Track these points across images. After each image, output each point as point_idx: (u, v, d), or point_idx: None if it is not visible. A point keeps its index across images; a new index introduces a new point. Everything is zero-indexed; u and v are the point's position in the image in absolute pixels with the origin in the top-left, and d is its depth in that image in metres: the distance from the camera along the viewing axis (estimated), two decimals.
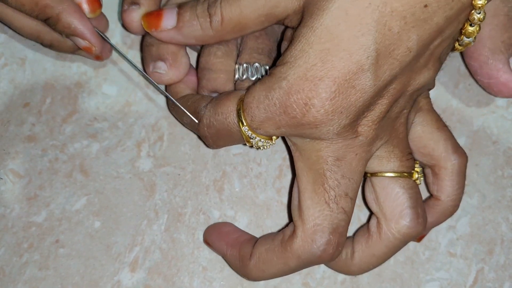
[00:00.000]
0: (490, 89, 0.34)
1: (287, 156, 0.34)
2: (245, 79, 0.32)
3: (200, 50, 0.33)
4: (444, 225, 0.33)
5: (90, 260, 0.31)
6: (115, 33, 0.36)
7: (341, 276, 0.32)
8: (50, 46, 0.32)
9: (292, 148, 0.29)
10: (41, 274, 0.31)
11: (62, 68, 0.34)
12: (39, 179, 0.32)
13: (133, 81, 0.35)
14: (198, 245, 0.32)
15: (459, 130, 0.35)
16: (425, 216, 0.29)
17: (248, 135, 0.28)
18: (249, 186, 0.33)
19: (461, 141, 0.35)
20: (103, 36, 0.32)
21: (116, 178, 0.33)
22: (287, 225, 0.32)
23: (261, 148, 0.29)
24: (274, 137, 0.28)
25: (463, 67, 0.36)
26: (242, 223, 0.32)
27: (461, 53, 0.36)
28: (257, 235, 0.32)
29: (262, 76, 0.32)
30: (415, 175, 0.29)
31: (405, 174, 0.28)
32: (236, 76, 0.32)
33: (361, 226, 0.31)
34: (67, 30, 0.30)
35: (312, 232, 0.27)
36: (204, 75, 0.32)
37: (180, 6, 0.30)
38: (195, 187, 0.33)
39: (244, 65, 0.32)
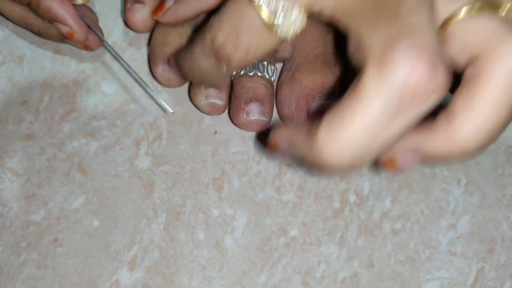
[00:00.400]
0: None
1: None
2: (243, 74, 0.32)
3: None
4: (444, 223, 0.33)
5: (88, 259, 0.31)
6: (113, 31, 0.36)
7: (341, 275, 0.32)
8: (38, 33, 0.32)
9: (334, 15, 0.21)
10: (39, 273, 0.31)
11: (61, 66, 0.34)
12: (37, 177, 0.32)
13: (131, 79, 0.34)
14: (197, 244, 0.32)
15: None
16: None
17: (268, 13, 0.21)
18: (249, 185, 0.33)
19: None
20: (87, 22, 0.31)
21: (114, 177, 0.32)
22: (287, 224, 0.32)
23: (294, 29, 0.21)
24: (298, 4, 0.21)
25: None
26: (241, 222, 0.32)
27: None
28: (257, 235, 0.32)
29: (260, 71, 0.31)
30: (506, 5, 0.21)
31: (485, 3, 0.21)
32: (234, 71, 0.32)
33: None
34: (47, 14, 0.30)
35: (383, 52, 0.19)
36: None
37: None
38: (194, 185, 0.33)
39: None
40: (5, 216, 0.31)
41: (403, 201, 0.33)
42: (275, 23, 0.22)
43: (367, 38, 0.20)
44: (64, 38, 0.32)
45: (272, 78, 0.32)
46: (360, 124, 0.20)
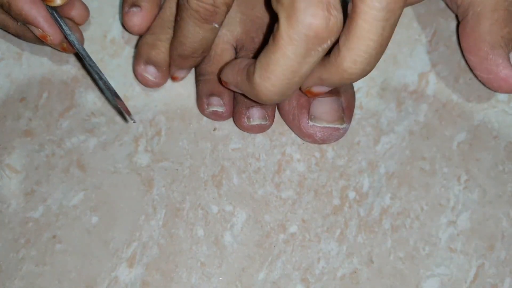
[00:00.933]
0: (489, 85, 0.34)
1: (286, 151, 0.33)
2: None
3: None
4: (444, 220, 0.33)
5: (87, 256, 0.31)
6: (112, 27, 0.35)
7: (340, 272, 0.31)
8: (16, 35, 0.32)
9: None
10: (38, 270, 0.31)
11: (59, 62, 0.34)
12: (36, 174, 0.32)
13: (130, 76, 0.34)
14: (197, 240, 0.32)
15: (460, 125, 0.35)
16: None
17: None
18: (248, 181, 0.33)
19: (462, 136, 0.34)
20: (61, 25, 0.31)
21: (113, 173, 0.32)
22: (287, 220, 0.32)
23: None
24: None
25: (463, 62, 0.36)
26: (240, 219, 0.32)
27: (460, 48, 0.36)
28: (256, 231, 0.32)
29: None
30: None
31: None
32: None
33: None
34: (19, 16, 0.30)
35: (292, 3, 0.23)
36: (199, 80, 0.33)
37: None
38: (193, 182, 0.32)
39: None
40: (4, 213, 0.31)
41: (403, 197, 0.33)
42: None
43: None
44: (40, 40, 0.32)
45: None
46: (281, 65, 0.25)
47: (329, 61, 0.26)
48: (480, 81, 0.35)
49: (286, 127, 0.34)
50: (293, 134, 0.34)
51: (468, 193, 0.33)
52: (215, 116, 0.33)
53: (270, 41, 0.25)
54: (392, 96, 0.35)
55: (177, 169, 0.33)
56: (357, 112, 0.34)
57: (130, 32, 0.33)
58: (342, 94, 0.32)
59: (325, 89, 0.29)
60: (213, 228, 0.32)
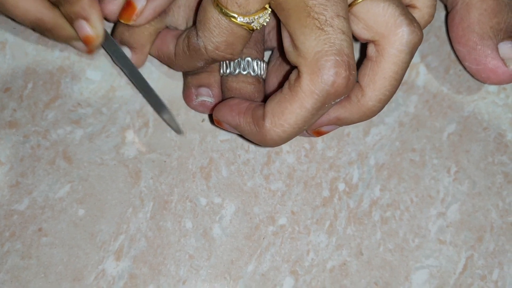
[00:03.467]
0: (478, 76, 0.34)
1: None
2: (228, 73, 0.31)
3: None
4: (434, 212, 0.33)
5: (74, 249, 0.30)
6: None
7: (329, 264, 0.31)
8: (48, 31, 0.30)
9: (274, 8, 0.27)
10: (24, 263, 0.30)
11: (44, 52, 0.33)
12: (21, 166, 0.32)
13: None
14: (185, 233, 0.31)
15: (450, 116, 0.34)
16: (416, 20, 0.27)
17: (247, 22, 0.27)
18: (237, 173, 0.32)
19: (452, 127, 0.34)
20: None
21: (100, 165, 0.32)
22: (276, 213, 0.32)
23: (264, 23, 0.27)
24: (266, 6, 0.27)
25: (454, 52, 0.35)
26: (229, 211, 0.32)
27: (449, 38, 0.35)
28: (245, 223, 0.31)
29: (244, 69, 0.31)
30: None
31: None
32: (220, 71, 0.31)
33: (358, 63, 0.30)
34: (83, 11, 0.29)
35: (316, 61, 0.25)
36: (188, 73, 0.32)
37: None
38: (181, 174, 0.32)
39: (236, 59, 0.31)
40: None
41: (392, 189, 0.33)
42: (255, 26, 0.27)
43: (301, 43, 0.26)
44: (72, 39, 0.31)
45: (259, 73, 0.32)
46: (298, 115, 0.26)
47: (350, 102, 0.28)
48: (469, 72, 0.35)
49: None
50: None
51: (457, 184, 0.33)
52: (203, 107, 0.32)
53: (285, 90, 0.26)
54: None
55: (165, 161, 0.32)
56: None
57: (107, 20, 0.32)
58: None
59: (335, 127, 0.30)
60: (201, 220, 0.31)
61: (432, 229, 0.33)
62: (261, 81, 0.33)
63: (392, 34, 0.26)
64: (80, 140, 0.32)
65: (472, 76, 0.35)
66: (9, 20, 0.34)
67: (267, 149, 0.33)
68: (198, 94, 0.32)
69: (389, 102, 0.34)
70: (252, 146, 0.33)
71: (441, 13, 0.36)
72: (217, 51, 0.28)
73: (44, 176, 0.31)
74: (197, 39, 0.28)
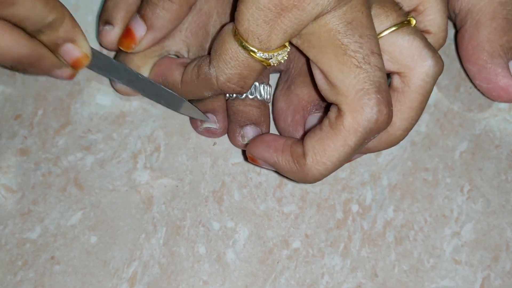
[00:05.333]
0: (489, 94, 0.34)
1: None
2: (235, 97, 0.31)
3: None
4: (448, 231, 0.32)
5: (87, 277, 0.30)
6: None
7: (344, 286, 0.31)
8: (31, 64, 0.28)
9: (300, 45, 0.27)
10: None
11: (54, 78, 0.33)
12: (32, 193, 0.31)
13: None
14: (198, 258, 0.31)
15: (461, 134, 0.34)
16: (436, 49, 0.28)
17: (265, 58, 0.27)
18: (249, 197, 0.32)
19: (464, 146, 0.34)
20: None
21: (112, 191, 0.32)
22: (289, 236, 0.32)
23: (282, 60, 0.27)
24: (286, 44, 0.27)
25: (464, 70, 0.35)
26: (243, 235, 0.31)
27: (459, 57, 0.35)
28: (259, 247, 0.31)
29: (251, 93, 0.31)
30: (413, 21, 0.28)
31: (405, 22, 0.28)
32: (226, 95, 0.32)
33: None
34: (68, 34, 0.27)
35: (358, 99, 0.26)
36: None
37: (138, 11, 0.30)
38: (193, 198, 0.32)
39: None
40: (0, 234, 0.31)
41: (406, 209, 0.33)
42: (273, 62, 0.27)
43: (339, 81, 0.26)
44: (54, 68, 0.29)
45: (266, 97, 0.32)
46: (341, 153, 0.27)
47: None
48: (479, 90, 0.35)
49: None
50: None
51: (471, 203, 0.33)
52: (209, 133, 0.32)
53: (326, 127, 0.27)
54: None
55: (177, 186, 0.32)
56: None
57: (105, 49, 0.33)
58: None
59: (361, 155, 0.32)
60: (215, 245, 0.31)
61: (447, 249, 0.32)
62: (267, 105, 0.33)
63: (418, 66, 0.27)
64: (91, 166, 0.32)
65: (483, 94, 0.35)
66: None
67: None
68: (203, 121, 0.32)
69: None
70: (263, 169, 0.33)
71: (450, 31, 0.36)
72: (228, 83, 0.28)
73: (55, 203, 0.31)
74: (209, 69, 0.28)
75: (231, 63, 0.27)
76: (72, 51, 0.28)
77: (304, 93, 0.31)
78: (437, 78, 0.28)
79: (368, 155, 0.33)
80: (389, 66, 0.28)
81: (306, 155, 0.27)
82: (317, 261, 0.31)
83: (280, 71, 0.33)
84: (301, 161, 0.27)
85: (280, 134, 0.33)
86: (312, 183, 0.28)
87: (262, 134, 0.31)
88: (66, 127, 0.33)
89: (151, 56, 0.32)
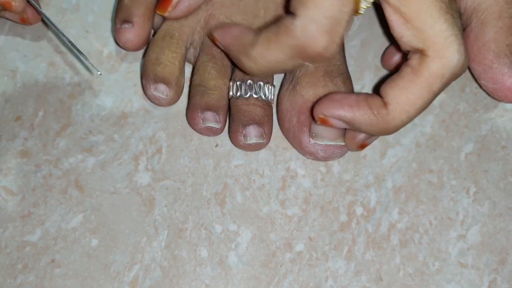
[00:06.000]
0: (495, 94, 0.33)
1: (291, 167, 0.32)
2: (239, 96, 0.31)
3: (193, 68, 0.32)
4: (454, 234, 0.32)
5: (87, 280, 0.30)
6: (109, 42, 0.34)
7: None
8: None
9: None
10: None
11: (55, 79, 0.33)
12: (33, 196, 0.31)
13: (129, 91, 0.33)
14: (200, 261, 0.31)
15: (467, 136, 0.34)
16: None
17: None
18: (252, 199, 0.32)
19: (469, 147, 0.34)
20: None
21: (113, 194, 0.31)
22: (293, 239, 0.31)
23: (366, 6, 0.27)
24: None
25: (469, 71, 0.35)
26: (245, 238, 0.31)
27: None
28: (262, 250, 0.31)
29: (256, 93, 0.31)
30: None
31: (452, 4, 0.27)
32: (230, 93, 0.31)
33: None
34: None
35: (448, 45, 0.26)
36: (197, 92, 0.31)
37: None
38: (195, 201, 0.31)
39: (238, 82, 0.31)
40: (0, 237, 0.30)
41: (411, 212, 0.32)
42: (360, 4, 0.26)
43: (429, 26, 0.26)
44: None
45: (270, 98, 0.32)
46: (425, 100, 0.27)
47: (374, 115, 0.28)
48: (485, 91, 0.34)
49: None
50: None
51: (477, 205, 0.33)
52: (208, 132, 0.32)
53: (408, 75, 0.26)
54: None
55: (179, 188, 0.32)
56: None
57: (124, 49, 0.32)
58: None
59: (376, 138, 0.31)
60: (217, 248, 0.31)
61: (452, 252, 0.32)
62: (271, 105, 0.32)
63: (441, 51, 0.26)
64: (92, 168, 0.32)
65: (489, 94, 0.34)
66: (20, 48, 0.34)
67: (282, 173, 0.32)
68: (205, 119, 0.31)
69: None
70: (266, 171, 0.32)
71: None
72: (317, 35, 0.25)
73: (56, 206, 0.31)
74: (294, 19, 0.25)
75: (324, 3, 0.25)
76: None
77: (310, 94, 0.31)
78: (455, 76, 0.27)
79: (372, 156, 0.33)
80: (411, 40, 0.26)
81: (388, 104, 0.27)
82: (320, 264, 0.31)
83: (285, 72, 0.33)
84: (382, 112, 0.27)
85: (285, 135, 0.32)
86: (393, 132, 0.28)
87: (329, 94, 0.29)
88: (67, 129, 0.32)
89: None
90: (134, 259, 0.30)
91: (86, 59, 0.31)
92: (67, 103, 0.33)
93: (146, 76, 0.31)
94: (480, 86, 0.34)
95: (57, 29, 0.31)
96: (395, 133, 0.33)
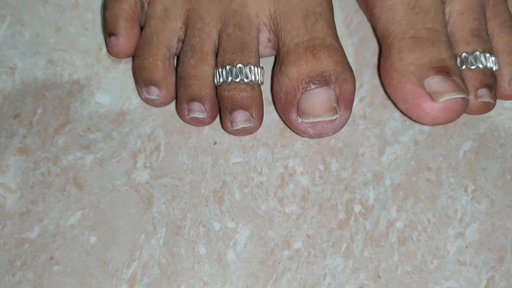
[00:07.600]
0: (411, 115, 0.32)
1: (289, 164, 0.32)
2: (222, 82, 0.30)
3: (177, 61, 0.32)
4: (452, 232, 0.32)
5: (86, 277, 0.30)
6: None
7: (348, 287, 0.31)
8: None
9: None
10: None
11: (53, 77, 0.33)
12: (31, 193, 0.31)
13: (127, 89, 0.33)
14: (199, 259, 0.31)
15: (465, 134, 0.34)
16: None
17: None
18: (250, 197, 0.32)
19: (468, 145, 0.34)
20: None
21: (111, 191, 0.31)
22: (291, 236, 0.31)
23: None
24: None
25: None
26: (243, 235, 0.31)
27: (381, 83, 0.34)
28: (260, 248, 0.31)
29: (236, 76, 0.30)
30: None
31: None
32: (215, 81, 0.31)
33: None
34: None
35: None
36: (180, 84, 0.31)
37: None
38: (194, 198, 0.31)
39: (219, 69, 0.30)
40: None
41: (409, 210, 0.32)
42: None
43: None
44: None
45: (254, 79, 0.31)
46: None
47: None
48: (405, 114, 0.33)
49: (288, 140, 0.33)
50: (295, 146, 0.33)
51: (475, 203, 0.33)
52: (196, 122, 0.31)
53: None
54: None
55: (177, 185, 0.32)
56: (360, 122, 0.33)
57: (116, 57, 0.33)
58: (334, 82, 0.30)
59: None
60: (215, 245, 0.31)
61: (451, 250, 0.32)
62: (256, 87, 0.31)
63: None
64: (90, 165, 0.32)
65: (409, 118, 0.33)
66: (19, 46, 0.34)
67: (280, 171, 0.32)
68: (190, 110, 0.31)
69: (403, 121, 0.33)
70: (265, 168, 0.32)
71: None
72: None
73: (55, 203, 0.31)
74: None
75: None
76: None
77: (293, 72, 0.30)
78: None
79: (370, 154, 0.33)
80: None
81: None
82: (319, 261, 0.31)
83: (275, 53, 0.33)
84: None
85: (280, 117, 0.32)
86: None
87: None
88: (66, 126, 0.32)
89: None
90: (132, 256, 0.30)
91: None
92: (65, 101, 0.33)
93: (136, 82, 0.32)
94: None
95: None
96: (393, 131, 0.33)
